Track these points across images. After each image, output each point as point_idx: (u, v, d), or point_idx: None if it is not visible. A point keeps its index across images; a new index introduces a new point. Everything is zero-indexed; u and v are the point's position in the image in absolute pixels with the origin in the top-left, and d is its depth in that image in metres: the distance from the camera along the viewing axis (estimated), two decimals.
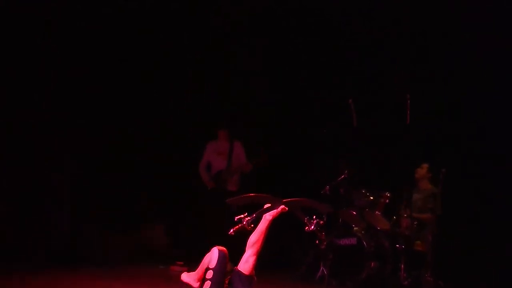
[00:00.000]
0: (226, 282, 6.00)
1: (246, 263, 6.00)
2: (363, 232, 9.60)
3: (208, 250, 9.80)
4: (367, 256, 9.28)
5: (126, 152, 11.11)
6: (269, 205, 6.20)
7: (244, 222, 6.06)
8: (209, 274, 5.91)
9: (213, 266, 5.92)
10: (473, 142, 10.13)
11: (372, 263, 9.29)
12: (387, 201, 9.62)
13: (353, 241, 9.41)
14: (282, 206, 6.17)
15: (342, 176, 9.64)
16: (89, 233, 10.49)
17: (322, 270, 9.52)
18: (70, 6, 10.59)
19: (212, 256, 5.97)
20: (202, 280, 6.01)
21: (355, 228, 9.67)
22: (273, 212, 6.16)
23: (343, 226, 9.79)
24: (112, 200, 10.83)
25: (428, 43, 10.68)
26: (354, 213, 9.64)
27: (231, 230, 6.08)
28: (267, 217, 6.15)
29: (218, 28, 11.76)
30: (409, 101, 9.32)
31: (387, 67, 10.72)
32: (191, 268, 9.57)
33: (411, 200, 9.52)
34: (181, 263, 9.84)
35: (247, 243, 6.07)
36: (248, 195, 6.43)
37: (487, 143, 10.10)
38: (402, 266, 9.15)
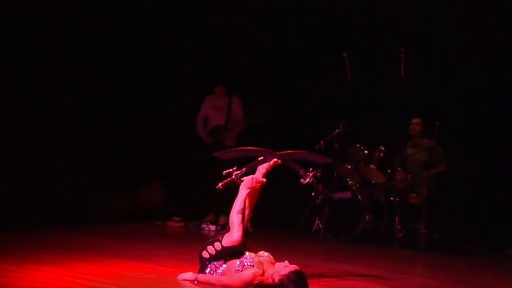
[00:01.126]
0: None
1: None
2: (358, 186, 9.65)
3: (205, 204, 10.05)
4: (362, 210, 9.33)
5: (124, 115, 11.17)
6: (261, 158, 6.12)
7: (233, 176, 5.96)
8: (218, 246, 5.77)
9: (226, 245, 5.75)
10: (469, 98, 10.20)
11: (367, 217, 9.35)
12: (382, 155, 9.67)
13: (348, 195, 9.50)
14: (275, 159, 6.09)
15: (337, 131, 9.68)
16: (88, 193, 10.43)
17: (318, 224, 9.58)
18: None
19: (233, 237, 5.75)
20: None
21: (350, 182, 9.72)
22: (266, 165, 6.10)
23: (338, 180, 9.85)
24: (111, 159, 10.82)
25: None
26: (349, 167, 9.71)
27: (220, 184, 5.98)
28: (261, 170, 6.09)
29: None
30: (403, 55, 9.50)
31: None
32: (188, 223, 9.86)
33: (406, 154, 9.70)
34: (178, 218, 9.93)
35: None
36: (238, 148, 6.37)
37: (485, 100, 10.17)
38: (397, 219, 9.23)
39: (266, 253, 5.80)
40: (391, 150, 9.75)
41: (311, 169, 6.28)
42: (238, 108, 10.32)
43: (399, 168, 9.51)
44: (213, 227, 9.72)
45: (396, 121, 10.01)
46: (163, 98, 11.62)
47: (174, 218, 10.01)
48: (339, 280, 6.59)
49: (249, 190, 5.90)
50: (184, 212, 10.35)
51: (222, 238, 5.80)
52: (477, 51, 10.24)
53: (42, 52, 10.42)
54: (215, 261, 5.79)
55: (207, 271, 5.80)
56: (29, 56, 10.27)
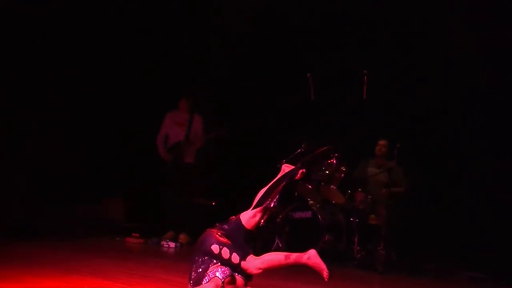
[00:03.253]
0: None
1: (252, 218, 5.95)
2: (318, 206, 9.62)
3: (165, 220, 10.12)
4: (322, 230, 9.30)
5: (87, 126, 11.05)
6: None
7: (272, 207, 6.00)
8: (235, 259, 5.77)
9: (242, 266, 5.77)
10: (431, 117, 10.31)
11: (327, 237, 9.32)
12: (342, 175, 9.65)
13: (308, 214, 9.44)
14: (301, 170, 6.18)
15: (299, 150, 9.57)
16: (47, 207, 10.33)
17: (277, 243, 9.54)
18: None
19: (250, 269, 5.82)
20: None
21: (310, 202, 9.69)
22: (294, 177, 6.19)
23: (299, 199, 9.83)
24: (71, 173, 10.74)
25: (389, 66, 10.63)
26: (310, 187, 9.70)
27: (261, 221, 5.98)
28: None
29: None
30: (366, 77, 9.52)
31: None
32: (147, 240, 9.79)
33: (366, 174, 9.73)
34: (137, 235, 9.84)
35: (256, 198, 6.02)
36: (268, 188, 6.11)
37: (444, 118, 10.29)
38: (356, 239, 9.25)
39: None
40: (352, 171, 9.78)
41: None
42: (199, 127, 10.31)
43: (359, 189, 9.54)
44: (172, 244, 9.66)
45: (358, 141, 10.06)
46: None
47: (133, 234, 9.88)
48: None
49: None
50: (143, 228, 10.26)
51: (243, 257, 5.78)
52: (438, 72, 10.43)
53: (42, 52, 10.43)
54: (215, 261, 5.77)
55: (209, 272, 5.75)
56: (29, 56, 10.28)
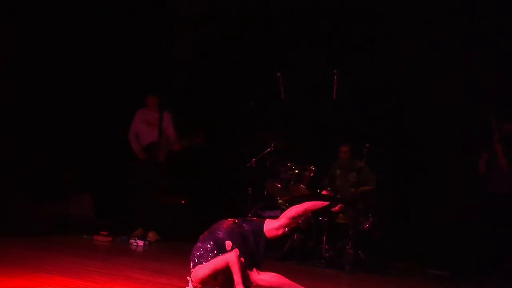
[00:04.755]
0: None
1: (275, 230, 5.98)
2: (287, 205, 9.38)
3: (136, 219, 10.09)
4: None
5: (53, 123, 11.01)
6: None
7: (300, 222, 6.09)
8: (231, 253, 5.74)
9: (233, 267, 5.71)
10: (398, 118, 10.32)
11: (295, 235, 9.30)
12: (312, 174, 9.58)
13: (277, 213, 9.27)
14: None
15: (268, 149, 9.70)
16: (13, 203, 10.32)
17: None
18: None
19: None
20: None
21: (279, 201, 9.63)
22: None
23: (268, 198, 9.81)
24: (37, 170, 10.72)
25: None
26: (279, 185, 9.68)
27: (286, 229, 6.01)
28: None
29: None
30: (336, 77, 9.49)
31: None
32: (115, 238, 9.74)
33: (334, 174, 9.66)
34: (106, 233, 9.80)
35: (285, 212, 6.09)
36: (301, 208, 6.20)
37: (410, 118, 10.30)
38: (324, 238, 9.19)
39: None
40: (321, 170, 9.70)
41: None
42: (169, 125, 10.18)
43: (328, 188, 9.43)
44: (141, 242, 9.59)
45: (327, 141, 10.06)
46: (100, 110, 11.44)
47: (101, 232, 9.81)
48: None
49: None
50: (112, 226, 10.25)
51: (249, 267, 5.79)
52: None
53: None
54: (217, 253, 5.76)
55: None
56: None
